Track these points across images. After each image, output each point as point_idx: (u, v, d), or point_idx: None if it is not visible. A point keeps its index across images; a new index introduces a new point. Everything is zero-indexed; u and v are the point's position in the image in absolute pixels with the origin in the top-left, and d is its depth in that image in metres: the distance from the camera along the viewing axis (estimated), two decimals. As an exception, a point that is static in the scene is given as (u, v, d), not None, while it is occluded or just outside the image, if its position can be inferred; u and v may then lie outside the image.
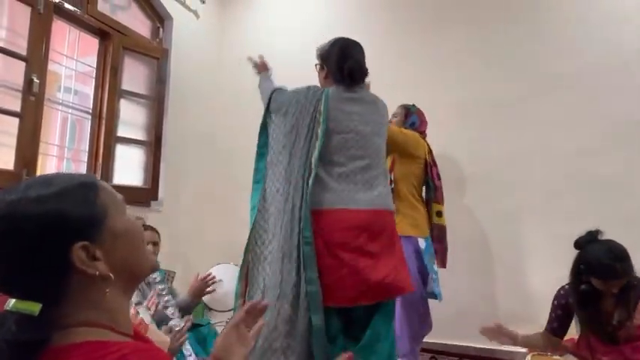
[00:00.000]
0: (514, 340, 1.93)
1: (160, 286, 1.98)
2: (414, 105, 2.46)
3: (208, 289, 2.23)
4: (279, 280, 1.59)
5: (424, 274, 2.18)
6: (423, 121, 2.43)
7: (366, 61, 3.44)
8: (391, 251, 1.64)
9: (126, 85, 2.99)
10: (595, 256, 1.73)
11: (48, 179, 0.65)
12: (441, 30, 3.03)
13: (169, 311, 1.91)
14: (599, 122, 2.55)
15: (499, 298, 2.69)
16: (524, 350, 2.19)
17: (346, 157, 1.68)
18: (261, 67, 2.18)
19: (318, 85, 1.89)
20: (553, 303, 1.98)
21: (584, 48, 2.64)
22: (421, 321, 2.21)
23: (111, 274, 0.63)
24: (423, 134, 2.42)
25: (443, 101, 2.91)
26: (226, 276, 2.44)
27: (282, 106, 1.80)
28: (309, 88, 1.82)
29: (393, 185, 2.22)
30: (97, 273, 0.62)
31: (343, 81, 1.81)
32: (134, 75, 3.09)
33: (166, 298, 1.95)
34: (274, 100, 1.85)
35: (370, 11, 3.29)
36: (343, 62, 1.84)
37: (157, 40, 3.30)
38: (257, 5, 3.72)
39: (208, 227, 3.44)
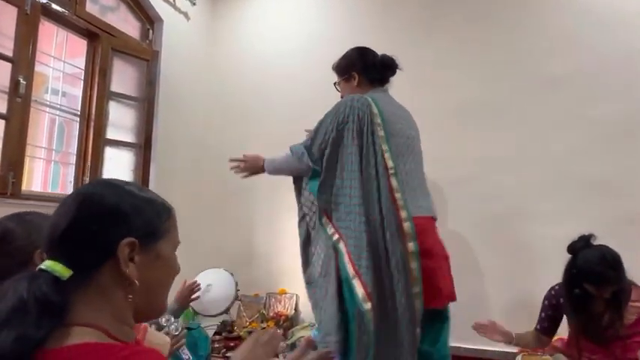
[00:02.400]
0: (508, 338, 1.95)
1: None
2: None
3: (193, 297, 2.23)
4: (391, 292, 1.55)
5: None
6: None
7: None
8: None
9: (115, 86, 2.96)
10: (588, 263, 1.74)
11: (144, 188, 0.77)
12: (431, 32, 3.05)
13: (164, 318, 1.90)
14: (588, 124, 2.58)
15: (490, 299, 2.70)
16: (515, 350, 2.20)
17: (402, 162, 1.68)
18: (254, 159, 2.06)
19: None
20: (543, 303, 2.00)
21: (574, 50, 2.67)
22: None
23: (136, 281, 0.65)
24: None
25: (433, 103, 2.92)
26: (215, 280, 2.41)
27: (323, 141, 1.73)
28: (350, 99, 1.76)
29: None
30: (127, 271, 0.64)
31: (380, 74, 1.86)
32: (123, 77, 3.06)
33: None
34: (311, 152, 1.76)
35: (361, 13, 3.30)
36: (373, 57, 1.92)
37: (147, 41, 3.27)
38: (248, 7, 3.71)
39: (198, 230, 3.40)
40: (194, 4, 3.54)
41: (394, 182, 1.59)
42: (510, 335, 1.96)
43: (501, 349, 2.53)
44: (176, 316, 2.14)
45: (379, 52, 3.22)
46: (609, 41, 2.58)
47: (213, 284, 2.35)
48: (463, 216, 2.80)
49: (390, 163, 1.61)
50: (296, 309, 3.11)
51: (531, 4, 2.81)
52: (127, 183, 0.74)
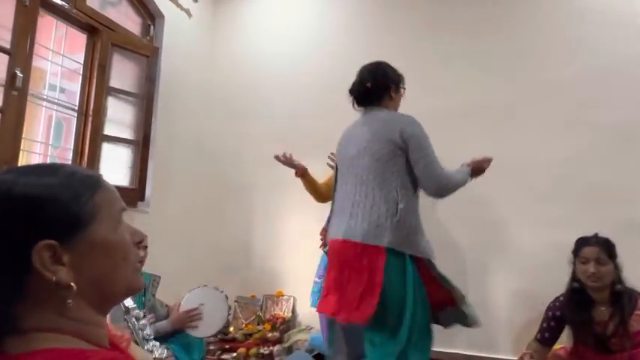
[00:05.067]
0: None
1: (135, 312, 1.92)
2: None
3: (191, 324, 2.18)
4: None
5: None
6: None
7: (357, 66, 3.43)
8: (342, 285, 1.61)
9: (114, 82, 2.92)
10: (578, 241, 1.91)
11: (54, 167, 0.60)
12: (432, 37, 3.02)
13: (151, 343, 1.85)
14: (587, 129, 2.55)
15: (489, 304, 2.66)
16: (514, 358, 2.16)
17: (340, 185, 1.80)
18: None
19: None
20: (547, 313, 1.97)
21: (573, 56, 2.65)
22: None
23: (73, 285, 0.55)
24: None
25: (435, 106, 2.88)
26: (207, 301, 2.30)
27: None
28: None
29: None
30: (54, 279, 0.54)
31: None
32: (123, 72, 3.02)
33: (142, 322, 1.89)
34: None
35: (363, 15, 3.27)
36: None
37: (148, 37, 3.23)
38: (250, 5, 3.68)
39: (196, 229, 3.36)
40: (196, 1, 3.50)
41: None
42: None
43: (498, 357, 2.49)
44: (166, 338, 2.08)
45: (383, 54, 3.21)
46: (611, 46, 2.56)
47: (205, 304, 2.26)
48: (464, 219, 2.77)
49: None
50: (293, 311, 3.06)
51: (535, 8, 2.79)
52: (28, 169, 0.59)
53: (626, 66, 2.52)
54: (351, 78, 3.17)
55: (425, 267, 1.62)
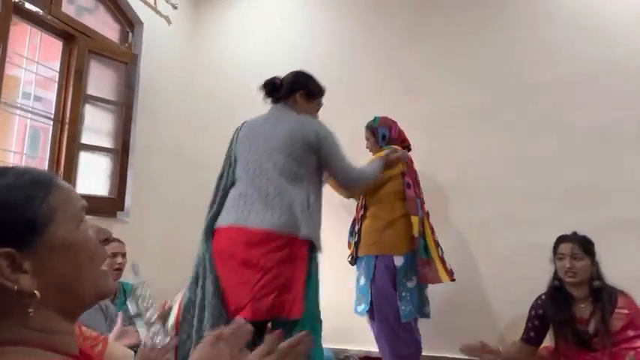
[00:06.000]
0: (497, 355, 1.91)
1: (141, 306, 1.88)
2: (374, 118, 2.42)
3: None
4: None
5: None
6: (390, 127, 2.38)
7: (341, 71, 3.44)
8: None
9: (92, 90, 2.87)
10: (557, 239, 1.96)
11: (2, 170, 0.57)
12: (415, 41, 3.05)
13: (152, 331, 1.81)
14: (564, 131, 2.61)
15: (475, 306, 2.67)
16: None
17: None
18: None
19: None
20: (530, 313, 1.98)
21: (553, 60, 2.70)
22: (391, 344, 2.11)
23: (36, 292, 0.53)
24: (397, 141, 2.36)
25: (416, 111, 2.92)
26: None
27: None
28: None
29: (364, 210, 2.27)
30: (16, 288, 0.52)
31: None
32: (101, 80, 2.97)
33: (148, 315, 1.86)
34: None
35: (345, 21, 3.29)
36: None
37: (126, 44, 3.19)
38: (230, 12, 3.66)
39: (178, 238, 3.30)
40: (176, 8, 3.47)
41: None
42: (498, 352, 1.93)
43: None
44: None
45: (366, 57, 3.24)
46: (587, 51, 2.63)
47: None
48: (445, 222, 2.78)
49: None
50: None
51: (514, 14, 2.85)
52: None
53: (601, 69, 2.59)
54: (333, 85, 3.18)
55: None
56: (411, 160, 2.35)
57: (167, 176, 3.35)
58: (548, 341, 2.00)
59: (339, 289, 2.56)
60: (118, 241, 2.14)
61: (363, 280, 2.21)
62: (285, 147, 1.67)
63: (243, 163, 1.73)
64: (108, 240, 0.66)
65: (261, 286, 1.51)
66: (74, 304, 0.59)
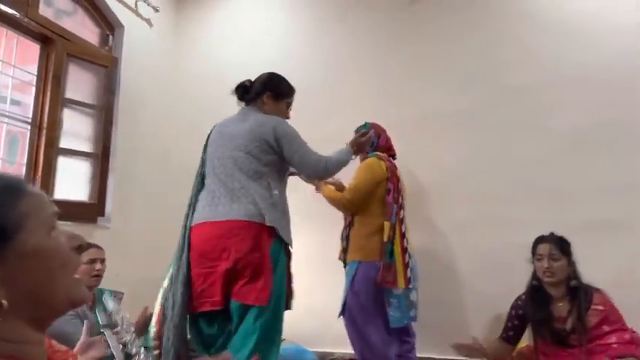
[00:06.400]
0: (483, 352, 1.95)
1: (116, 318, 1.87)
2: (365, 124, 2.43)
3: None
4: None
5: (382, 299, 2.12)
6: (380, 135, 2.40)
7: (324, 74, 3.46)
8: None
9: (70, 94, 2.82)
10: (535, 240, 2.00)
11: None
12: (398, 43, 3.09)
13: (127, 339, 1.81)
14: (544, 134, 2.67)
15: (458, 307, 2.71)
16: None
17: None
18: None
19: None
20: (510, 312, 2.02)
21: (533, 64, 2.77)
22: (370, 347, 2.11)
23: (4, 302, 0.51)
24: (383, 148, 2.39)
25: (398, 113, 2.95)
26: None
27: None
28: None
29: (353, 216, 2.28)
30: None
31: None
32: (80, 84, 2.92)
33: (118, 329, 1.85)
34: None
35: (327, 24, 3.31)
36: None
37: (107, 48, 3.15)
38: (213, 16, 3.65)
39: (161, 243, 3.25)
40: (157, 10, 3.44)
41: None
42: (484, 348, 1.96)
43: (463, 358, 2.53)
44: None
45: (348, 61, 3.26)
46: (566, 57, 2.70)
47: None
48: (427, 224, 2.82)
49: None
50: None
51: (494, 20, 2.91)
52: None
53: (580, 74, 2.65)
54: (317, 88, 3.22)
55: (289, 252, 1.78)
56: (395, 167, 2.36)
57: (150, 180, 3.31)
58: (527, 339, 2.04)
59: (327, 292, 2.58)
60: (96, 246, 2.10)
61: (345, 285, 2.22)
62: (245, 145, 1.75)
63: (211, 163, 1.82)
64: (81, 247, 0.65)
65: (232, 273, 1.60)
66: (45, 313, 0.58)
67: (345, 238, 2.30)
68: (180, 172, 3.41)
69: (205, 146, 1.92)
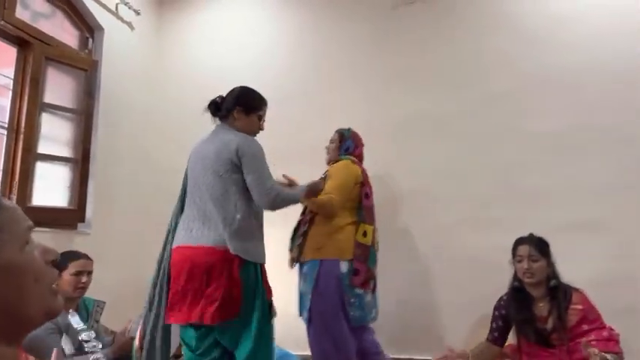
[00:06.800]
0: (466, 358, 1.96)
1: (84, 334, 1.84)
2: (349, 129, 2.46)
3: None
4: None
5: (343, 298, 2.13)
6: (358, 145, 2.44)
7: (307, 77, 3.47)
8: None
9: (49, 97, 2.76)
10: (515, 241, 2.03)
11: None
12: (381, 49, 3.12)
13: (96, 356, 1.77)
14: (524, 137, 2.73)
15: (439, 309, 2.74)
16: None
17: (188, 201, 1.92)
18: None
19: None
20: (494, 313, 2.05)
21: (515, 68, 2.82)
22: (336, 347, 2.11)
23: None
24: (358, 157, 2.42)
25: (380, 121, 2.99)
26: None
27: None
28: None
29: (312, 214, 2.24)
30: None
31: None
32: (59, 87, 2.86)
33: (92, 344, 1.83)
34: None
35: (310, 29, 3.32)
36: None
37: (86, 51, 3.09)
38: (196, 19, 3.63)
39: (145, 249, 3.20)
40: (138, 13, 3.40)
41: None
42: (467, 354, 1.98)
43: None
44: None
45: (331, 66, 3.28)
46: (543, 63, 2.77)
47: None
48: (413, 227, 2.85)
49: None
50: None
51: (475, 26, 2.96)
52: None
53: (557, 79, 2.73)
54: (299, 92, 3.23)
55: (263, 270, 1.83)
56: (366, 174, 2.38)
57: (132, 185, 3.26)
58: (509, 340, 2.07)
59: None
60: (86, 257, 2.05)
61: (302, 287, 2.19)
62: (214, 167, 1.78)
63: (189, 184, 1.88)
64: (55, 260, 0.64)
65: (202, 295, 1.69)
66: (18, 326, 0.57)
67: (302, 235, 2.22)
68: (163, 177, 3.38)
69: (186, 170, 1.95)
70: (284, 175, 2.14)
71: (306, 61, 3.29)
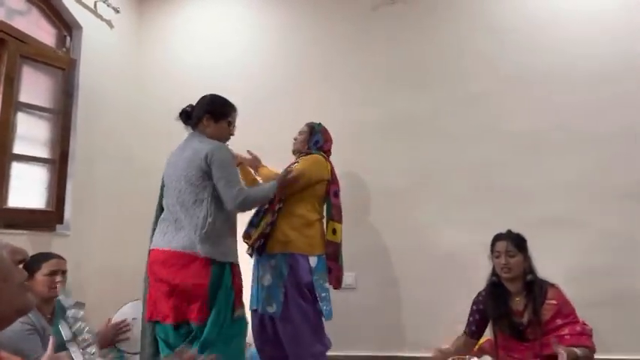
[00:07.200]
0: (449, 354, 2.00)
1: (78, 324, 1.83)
2: (319, 124, 2.47)
3: (121, 337, 2.12)
4: None
5: (313, 292, 2.16)
6: (327, 140, 2.46)
7: (288, 76, 3.47)
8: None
9: (25, 97, 2.69)
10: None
11: None
12: (361, 49, 3.15)
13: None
14: (501, 137, 2.80)
15: (417, 306, 2.78)
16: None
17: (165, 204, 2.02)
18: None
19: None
20: (472, 308, 2.10)
21: (490, 72, 2.90)
22: (316, 336, 2.15)
23: None
24: (327, 153, 2.43)
25: (361, 119, 3.03)
26: (140, 314, 2.19)
27: None
28: None
29: (283, 204, 2.22)
30: None
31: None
32: (35, 86, 2.80)
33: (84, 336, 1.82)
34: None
35: (292, 28, 3.33)
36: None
37: (64, 49, 3.03)
38: (176, 17, 3.59)
39: (125, 250, 3.17)
40: (118, 11, 3.35)
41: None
42: (451, 350, 2.02)
43: (426, 355, 2.61)
44: None
45: (313, 65, 3.29)
46: (520, 64, 2.85)
47: (138, 318, 2.15)
48: (391, 225, 2.89)
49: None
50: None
51: (454, 28, 3.02)
52: None
53: (533, 80, 2.81)
54: (280, 90, 3.23)
55: (239, 272, 1.93)
56: (334, 172, 2.40)
57: (112, 186, 3.21)
58: (489, 334, 2.12)
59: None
60: (58, 257, 2.02)
61: (270, 280, 2.15)
62: (185, 174, 1.86)
63: (165, 190, 1.98)
64: (24, 260, 0.64)
65: (173, 297, 1.79)
66: None
67: (270, 224, 2.18)
68: (144, 177, 3.34)
69: (163, 176, 2.04)
70: (248, 151, 2.22)
71: (287, 60, 3.30)
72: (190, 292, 1.78)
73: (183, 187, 1.86)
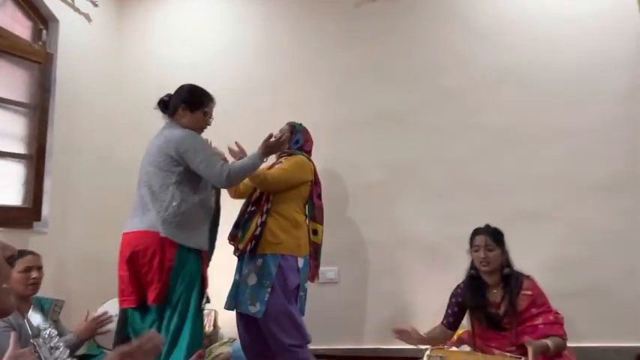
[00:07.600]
0: (421, 340, 2.04)
1: (44, 333, 1.81)
2: (300, 124, 2.47)
3: (101, 330, 2.12)
4: None
5: (297, 292, 2.19)
6: (308, 140, 2.45)
7: (270, 73, 3.47)
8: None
9: (0, 91, 2.64)
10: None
11: None
12: (343, 45, 3.17)
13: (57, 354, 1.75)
14: (477, 132, 2.86)
15: (402, 298, 2.83)
16: (422, 347, 2.31)
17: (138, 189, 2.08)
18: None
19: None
20: (450, 300, 2.14)
21: (467, 68, 2.95)
22: (301, 335, 2.17)
23: None
24: (308, 153, 2.43)
25: (341, 115, 3.05)
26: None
27: None
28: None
29: (271, 205, 2.21)
30: None
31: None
32: (11, 81, 2.74)
33: (55, 341, 1.81)
34: None
35: (274, 25, 3.33)
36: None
37: (40, 43, 2.97)
38: (156, 11, 3.55)
39: (105, 247, 3.12)
40: (96, 5, 3.29)
41: None
42: (423, 337, 2.06)
43: (417, 348, 2.65)
44: (74, 352, 1.98)
45: (295, 61, 3.29)
46: (495, 60, 2.91)
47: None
48: (372, 219, 2.93)
49: None
50: (215, 325, 2.97)
51: (432, 27, 3.07)
52: None
53: (508, 76, 2.87)
54: (263, 87, 3.22)
55: (204, 259, 1.99)
56: (317, 173, 2.41)
57: (91, 182, 3.17)
58: (466, 325, 2.17)
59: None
60: (32, 253, 1.99)
61: (255, 279, 2.12)
62: (155, 160, 1.94)
63: (139, 178, 2.03)
64: (13, 257, 0.62)
65: (139, 277, 1.86)
66: None
67: (260, 225, 2.15)
68: (123, 173, 3.29)
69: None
70: (236, 143, 2.23)
71: (269, 57, 3.29)
72: (154, 271, 1.82)
73: (152, 172, 1.93)
